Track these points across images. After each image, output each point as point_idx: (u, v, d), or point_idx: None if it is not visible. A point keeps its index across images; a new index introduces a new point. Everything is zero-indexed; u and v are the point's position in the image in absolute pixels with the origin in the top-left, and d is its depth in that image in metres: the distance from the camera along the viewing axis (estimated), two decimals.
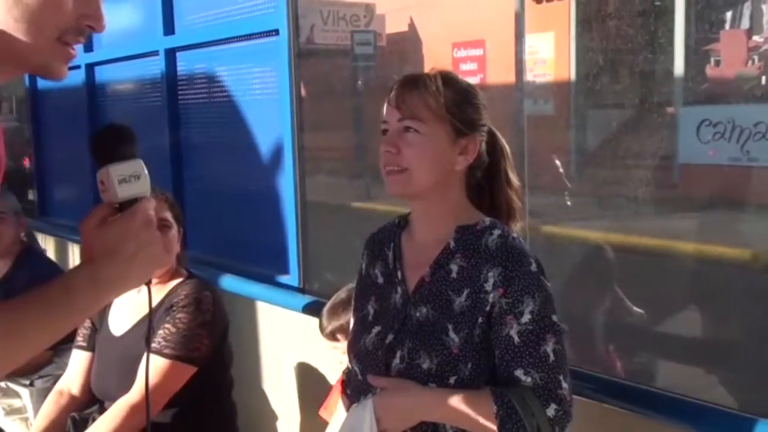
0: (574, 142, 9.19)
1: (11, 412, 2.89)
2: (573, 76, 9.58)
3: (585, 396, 1.91)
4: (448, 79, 1.65)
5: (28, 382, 2.92)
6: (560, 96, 9.91)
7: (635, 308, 3.02)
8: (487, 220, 1.66)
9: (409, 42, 12.91)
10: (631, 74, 6.74)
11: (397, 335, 1.63)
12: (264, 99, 3.28)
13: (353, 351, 1.73)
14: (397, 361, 1.61)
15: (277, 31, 3.05)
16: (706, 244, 5.09)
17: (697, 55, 6.23)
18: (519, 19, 7.87)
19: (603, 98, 8.03)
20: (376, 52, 13.30)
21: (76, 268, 1.19)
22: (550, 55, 10.21)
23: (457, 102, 1.63)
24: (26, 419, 2.90)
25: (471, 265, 1.60)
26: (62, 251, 4.83)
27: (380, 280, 1.74)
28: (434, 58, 11.68)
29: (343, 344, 2.26)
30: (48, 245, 4.93)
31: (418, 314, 1.62)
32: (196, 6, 3.66)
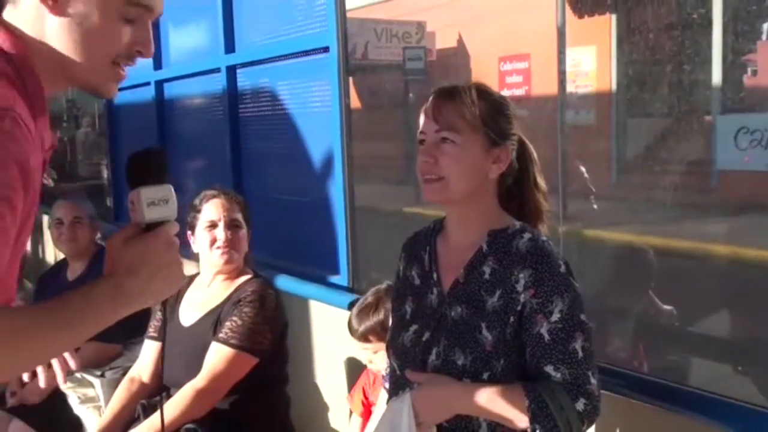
0: (615, 149, 9.09)
1: (86, 400, 2.94)
2: (614, 87, 9.48)
3: (614, 392, 1.88)
4: (482, 91, 1.64)
5: (99, 373, 2.97)
6: (601, 106, 9.82)
7: (665, 306, 2.96)
8: (518, 224, 1.65)
9: (457, 56, 12.92)
10: (670, 84, 6.63)
11: (433, 333, 1.62)
12: (316, 111, 3.29)
13: (392, 348, 1.73)
14: (433, 357, 1.60)
15: (327, 48, 3.06)
16: (742, 246, 4.98)
17: (734, 66, 6.10)
18: (561, 33, 7.81)
19: (643, 108, 7.92)
20: (426, 66, 13.35)
21: (99, 280, 1.19)
22: (592, 67, 10.13)
23: (491, 113, 1.62)
24: (99, 407, 2.94)
25: (503, 267, 1.59)
26: None
27: (417, 281, 1.73)
28: (482, 72, 11.67)
29: (373, 345, 2.26)
30: None
31: (453, 314, 1.61)
32: (254, 26, 3.70)
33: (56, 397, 3.04)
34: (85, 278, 3.30)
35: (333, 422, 3.09)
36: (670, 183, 5.62)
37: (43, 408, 3.10)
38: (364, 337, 2.31)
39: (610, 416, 1.92)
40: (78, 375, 3.00)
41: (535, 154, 1.75)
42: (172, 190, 1.24)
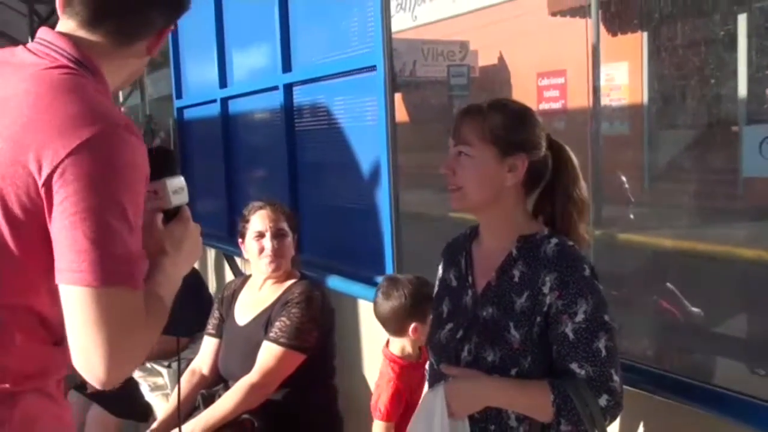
0: (647, 158, 8.93)
1: (155, 388, 2.99)
2: (646, 100, 9.32)
3: (639, 388, 1.84)
4: (498, 106, 1.63)
5: (167, 364, 3.02)
6: (634, 118, 9.66)
7: (693, 308, 2.89)
8: (546, 230, 1.63)
9: (498, 73, 12.82)
10: (698, 97, 6.49)
11: (466, 331, 1.62)
12: (364, 125, 3.29)
13: (430, 344, 1.73)
14: (465, 353, 1.59)
15: (374, 67, 3.06)
16: (767, 249, 4.85)
17: (758, 80, 5.95)
18: (595, 50, 7.69)
19: (673, 119, 7.77)
20: (469, 82, 13.28)
21: (159, 258, 1.32)
22: (625, 81, 9.98)
23: (504, 125, 1.60)
24: (167, 395, 2.99)
25: (531, 270, 1.57)
26: (203, 255, 4.97)
27: (454, 283, 1.73)
28: (521, 87, 11.58)
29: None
30: None
31: (484, 313, 1.60)
32: (308, 47, 3.73)
33: (130, 385, 3.10)
34: None
35: None
36: (699, 190, 5.50)
37: (118, 395, 3.14)
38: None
39: (635, 412, 1.88)
40: (148, 365, 3.06)
41: (574, 163, 1.68)
42: (184, 180, 1.38)
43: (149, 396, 2.97)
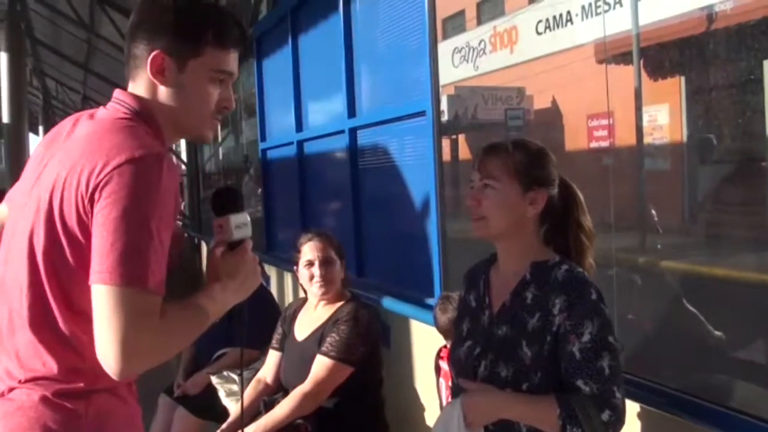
0: (687, 191, 8.65)
1: (230, 394, 3.01)
2: (685, 138, 9.06)
3: (652, 406, 1.75)
4: (519, 144, 1.60)
5: (239, 372, 3.05)
6: (675, 155, 9.38)
7: (716, 332, 2.74)
8: (557, 257, 1.58)
9: (551, 115, 12.66)
10: (731, 136, 6.29)
11: (482, 349, 1.58)
12: (416, 162, 3.29)
13: (451, 360, 1.69)
14: (482, 369, 1.56)
15: (424, 113, 3.07)
16: None
17: None
18: (638, 94, 7.51)
19: (710, 155, 7.53)
20: (524, 124, 13.14)
21: (210, 284, 1.33)
22: (666, 121, 9.73)
23: (526, 163, 1.57)
24: (239, 400, 3.01)
25: (542, 293, 1.53)
26: (281, 277, 5.04)
27: (473, 304, 1.69)
28: (572, 128, 11.40)
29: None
30: (271, 273, 5.16)
31: (499, 332, 1.56)
32: (369, 95, 3.77)
33: (209, 390, 3.15)
34: None
35: (428, 420, 3.03)
36: (734, 221, 5.27)
37: (200, 398, 3.22)
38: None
39: (645, 429, 1.79)
40: (225, 373, 3.09)
41: (580, 198, 1.66)
42: (248, 216, 1.36)
43: (225, 401, 2.99)
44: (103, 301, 1.15)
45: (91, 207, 1.19)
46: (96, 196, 1.19)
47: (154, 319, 1.18)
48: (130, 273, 1.15)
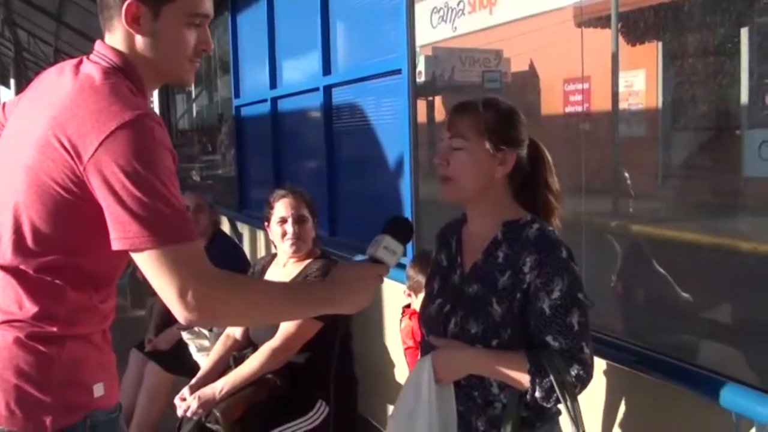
0: (661, 158, 8.73)
1: (201, 349, 3.02)
2: (660, 104, 9.09)
3: (624, 365, 1.78)
4: (489, 104, 1.57)
5: (210, 328, 3.04)
6: (650, 121, 9.42)
7: (684, 294, 2.78)
8: (529, 216, 1.58)
9: (528, 78, 12.60)
10: (707, 103, 6.32)
11: (453, 306, 1.58)
12: (391, 122, 3.27)
13: (421, 317, 1.70)
14: (451, 326, 1.56)
15: (400, 71, 3.03)
16: (764, 243, 4.67)
17: (759, 87, 5.74)
18: (615, 59, 7.50)
19: (685, 123, 7.58)
20: (502, 86, 13.06)
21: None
22: (642, 87, 9.73)
23: (496, 122, 1.55)
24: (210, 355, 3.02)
25: (514, 252, 1.53)
26: (253, 235, 5.02)
27: (445, 263, 1.69)
28: (549, 92, 11.35)
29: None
30: (244, 231, 5.14)
31: (470, 290, 1.57)
32: (345, 53, 3.72)
33: (180, 346, 3.15)
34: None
35: (398, 376, 3.07)
36: (706, 187, 5.34)
37: (171, 354, 3.22)
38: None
39: (619, 389, 1.82)
40: (196, 329, 3.09)
41: (549, 159, 1.65)
42: (403, 251, 1.41)
43: (196, 356, 3.00)
44: (148, 265, 1.19)
45: (92, 173, 1.20)
46: (96, 162, 1.19)
47: (200, 261, 1.22)
48: (166, 231, 1.19)
